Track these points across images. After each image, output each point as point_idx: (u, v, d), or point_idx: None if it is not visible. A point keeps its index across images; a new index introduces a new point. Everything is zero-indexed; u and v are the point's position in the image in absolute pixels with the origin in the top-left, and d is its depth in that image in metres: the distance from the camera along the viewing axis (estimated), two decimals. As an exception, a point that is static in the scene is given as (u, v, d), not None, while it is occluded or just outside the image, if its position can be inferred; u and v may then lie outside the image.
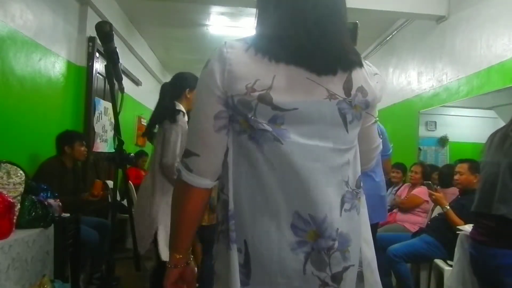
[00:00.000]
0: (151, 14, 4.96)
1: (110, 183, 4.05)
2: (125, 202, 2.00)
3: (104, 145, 4.36)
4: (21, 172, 2.05)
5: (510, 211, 1.60)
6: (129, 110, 5.46)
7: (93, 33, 3.13)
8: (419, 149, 4.28)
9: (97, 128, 4.09)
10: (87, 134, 3.82)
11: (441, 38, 3.95)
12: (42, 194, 2.30)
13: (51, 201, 2.29)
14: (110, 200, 3.69)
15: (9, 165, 2.02)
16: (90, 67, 3.86)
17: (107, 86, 4.24)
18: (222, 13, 4.84)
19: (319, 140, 0.84)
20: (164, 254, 2.16)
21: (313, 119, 0.83)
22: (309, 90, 0.83)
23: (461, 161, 2.88)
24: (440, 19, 3.92)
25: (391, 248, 2.85)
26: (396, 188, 4.05)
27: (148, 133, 2.31)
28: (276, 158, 0.82)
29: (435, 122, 4.30)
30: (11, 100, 2.72)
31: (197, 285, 1.03)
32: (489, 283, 1.77)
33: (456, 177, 2.83)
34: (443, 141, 4.21)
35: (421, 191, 3.56)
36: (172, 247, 0.95)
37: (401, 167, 4.17)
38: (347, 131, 0.87)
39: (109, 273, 2.43)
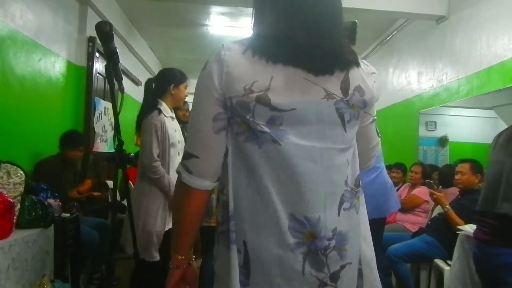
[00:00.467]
0: (151, 14, 4.96)
1: (110, 183, 4.06)
2: (125, 202, 2.00)
3: (104, 145, 4.36)
4: (21, 172, 2.05)
5: None
6: (129, 110, 5.45)
7: (93, 33, 3.13)
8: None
9: (97, 128, 4.09)
10: (87, 134, 3.82)
11: (441, 38, 3.95)
12: (42, 194, 2.30)
13: (51, 201, 2.30)
14: (110, 200, 3.69)
15: (9, 165, 2.02)
16: (90, 67, 3.86)
17: (107, 86, 4.24)
18: (222, 13, 4.84)
19: (318, 140, 0.84)
20: (149, 256, 2.16)
21: (311, 119, 0.84)
22: (306, 90, 0.83)
23: (463, 161, 2.87)
24: (440, 19, 3.92)
25: (391, 248, 2.85)
26: (396, 188, 4.05)
27: (138, 131, 2.33)
28: (275, 160, 0.82)
29: (435, 122, 4.30)
30: (11, 100, 2.72)
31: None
32: (492, 282, 1.77)
33: (457, 176, 2.83)
34: (443, 141, 4.21)
35: (421, 191, 3.56)
36: (174, 248, 0.95)
37: (401, 167, 4.17)
38: (345, 130, 0.87)
39: (109, 273, 2.43)
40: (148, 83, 2.39)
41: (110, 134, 4.45)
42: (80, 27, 3.78)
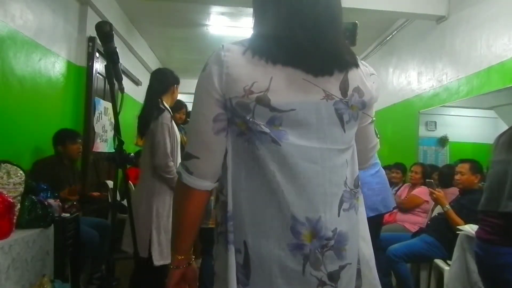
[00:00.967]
0: (151, 14, 4.96)
1: (110, 183, 4.06)
2: (125, 202, 2.00)
3: (104, 145, 4.36)
4: (21, 172, 2.05)
5: None
6: (129, 110, 5.46)
7: (93, 33, 3.13)
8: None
9: (97, 128, 4.09)
10: (87, 134, 3.82)
11: (441, 38, 3.95)
12: (42, 194, 2.30)
13: (51, 201, 2.30)
14: (110, 200, 3.69)
15: (9, 165, 2.02)
16: (90, 67, 3.86)
17: (107, 86, 4.24)
18: (222, 13, 4.84)
19: (317, 140, 0.85)
20: (156, 257, 2.16)
21: (311, 120, 0.84)
22: (306, 91, 0.83)
23: (462, 161, 2.87)
24: (440, 19, 3.92)
25: (391, 248, 2.85)
26: (396, 188, 4.05)
27: (141, 133, 2.32)
28: (274, 160, 0.82)
29: (435, 122, 4.30)
30: (11, 100, 2.72)
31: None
32: (495, 282, 1.76)
33: (457, 177, 2.83)
34: (443, 141, 4.21)
35: (421, 191, 3.56)
36: (174, 248, 0.96)
37: (401, 167, 4.17)
38: (344, 131, 0.88)
39: (109, 273, 2.43)
40: (154, 84, 2.38)
41: (110, 134, 4.45)
42: (80, 27, 3.78)
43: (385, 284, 2.66)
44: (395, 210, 3.66)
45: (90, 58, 3.85)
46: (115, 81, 1.64)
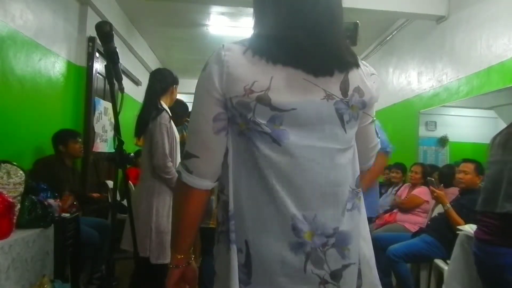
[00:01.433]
0: (151, 14, 4.96)
1: (110, 183, 4.06)
2: (125, 202, 2.00)
3: (104, 145, 4.36)
4: (21, 172, 2.05)
5: None
6: (129, 110, 5.46)
7: (93, 33, 3.13)
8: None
9: (97, 128, 4.09)
10: (87, 134, 3.82)
11: (441, 38, 3.95)
12: (42, 194, 2.30)
13: (51, 201, 2.30)
14: (110, 200, 3.69)
15: (9, 165, 2.03)
16: (90, 67, 3.86)
17: (107, 86, 4.24)
18: (222, 13, 4.84)
19: (318, 140, 0.85)
20: (154, 256, 2.16)
21: (311, 119, 0.84)
22: (306, 90, 0.83)
23: (467, 160, 2.87)
24: (440, 19, 3.92)
25: (391, 248, 2.85)
26: (396, 188, 4.05)
27: (138, 133, 2.32)
28: (275, 160, 0.83)
29: (435, 122, 4.30)
30: (11, 100, 2.72)
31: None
32: (494, 283, 1.76)
33: (460, 175, 2.82)
34: (443, 141, 4.21)
35: (421, 191, 3.56)
36: (173, 248, 0.96)
37: (401, 167, 4.16)
38: (345, 131, 0.88)
39: (109, 273, 2.43)
40: (154, 85, 2.38)
41: (110, 134, 4.45)
42: (80, 27, 3.78)
43: (385, 284, 2.66)
44: (395, 210, 3.67)
45: (90, 58, 3.85)
46: (115, 81, 1.64)
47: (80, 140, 3.13)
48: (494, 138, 1.83)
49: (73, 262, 2.55)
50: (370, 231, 1.02)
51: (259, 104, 0.81)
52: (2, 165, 2.01)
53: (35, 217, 2.08)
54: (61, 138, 3.03)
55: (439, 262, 2.75)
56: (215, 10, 4.76)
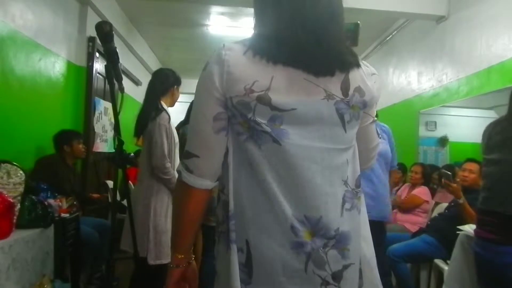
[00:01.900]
0: (151, 14, 4.96)
1: (110, 183, 4.06)
2: (125, 202, 2.00)
3: (104, 145, 4.36)
4: (21, 172, 2.05)
5: None
6: (129, 110, 5.46)
7: (93, 33, 3.13)
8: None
9: (97, 128, 4.09)
10: (87, 134, 3.82)
11: (441, 38, 3.95)
12: (42, 194, 2.30)
13: (51, 201, 2.30)
14: (110, 200, 3.69)
15: (9, 165, 2.03)
16: (90, 67, 3.86)
17: (107, 86, 4.24)
18: (222, 13, 4.84)
19: (318, 140, 0.85)
20: (152, 257, 2.16)
21: (312, 119, 0.84)
22: (307, 90, 0.83)
23: (471, 160, 2.87)
24: (440, 19, 3.92)
25: (391, 248, 2.85)
26: (396, 188, 4.05)
27: (138, 133, 2.33)
28: (275, 159, 0.83)
29: (435, 122, 4.30)
30: (11, 100, 2.72)
31: None
32: (494, 282, 1.76)
33: (465, 173, 2.81)
34: (443, 141, 4.21)
35: (421, 191, 3.56)
36: (174, 247, 0.96)
37: (401, 167, 4.16)
38: (345, 131, 0.88)
39: (109, 273, 2.43)
40: (155, 85, 2.38)
41: (110, 134, 4.45)
42: (80, 27, 3.78)
43: (385, 284, 2.66)
44: (395, 210, 3.67)
45: (90, 58, 3.85)
46: (115, 81, 1.64)
47: (82, 140, 3.15)
48: (489, 134, 1.82)
49: (73, 262, 2.55)
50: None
51: (259, 104, 0.81)
52: (2, 165, 2.01)
53: (35, 217, 2.08)
54: (66, 138, 3.04)
55: (439, 262, 2.75)
56: (215, 10, 4.76)
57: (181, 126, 2.74)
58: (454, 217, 2.78)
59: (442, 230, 2.78)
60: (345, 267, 0.85)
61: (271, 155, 0.83)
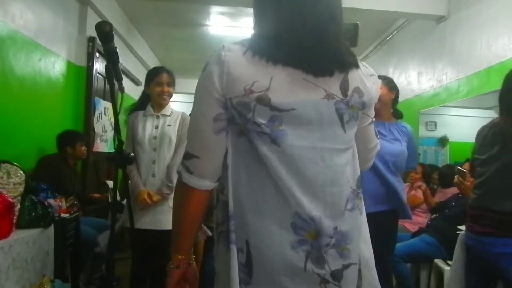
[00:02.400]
0: (151, 14, 4.96)
1: (110, 183, 4.06)
2: (125, 202, 2.00)
3: (104, 145, 4.36)
4: (21, 172, 2.05)
5: None
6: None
7: (93, 33, 3.13)
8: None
9: (97, 128, 4.09)
10: (87, 134, 3.82)
11: (441, 38, 3.95)
12: (42, 194, 2.30)
13: (51, 201, 2.30)
14: (110, 200, 3.69)
15: (9, 165, 2.03)
16: (90, 67, 3.86)
17: (107, 86, 4.24)
18: (222, 13, 4.84)
19: (318, 140, 0.85)
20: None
21: (311, 119, 0.84)
22: (306, 90, 0.83)
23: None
24: (440, 19, 3.92)
25: (391, 248, 2.85)
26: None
27: None
28: (274, 160, 0.83)
29: (435, 122, 4.30)
30: (11, 100, 2.72)
31: None
32: (484, 275, 1.77)
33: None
34: (443, 141, 4.21)
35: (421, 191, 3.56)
36: (174, 248, 0.95)
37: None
38: (344, 131, 0.88)
39: (109, 273, 2.43)
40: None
41: (110, 134, 4.45)
42: (80, 27, 3.78)
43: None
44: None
45: (90, 58, 3.85)
46: (115, 81, 1.64)
47: (84, 143, 3.16)
48: (483, 134, 1.83)
49: (73, 262, 2.55)
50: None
51: (259, 105, 0.81)
52: (2, 165, 2.01)
53: (35, 217, 2.08)
54: (69, 140, 3.05)
55: (439, 262, 2.75)
56: (215, 10, 4.76)
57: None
58: (454, 217, 2.79)
59: (442, 230, 2.78)
60: (346, 266, 0.85)
61: (270, 155, 0.83)
